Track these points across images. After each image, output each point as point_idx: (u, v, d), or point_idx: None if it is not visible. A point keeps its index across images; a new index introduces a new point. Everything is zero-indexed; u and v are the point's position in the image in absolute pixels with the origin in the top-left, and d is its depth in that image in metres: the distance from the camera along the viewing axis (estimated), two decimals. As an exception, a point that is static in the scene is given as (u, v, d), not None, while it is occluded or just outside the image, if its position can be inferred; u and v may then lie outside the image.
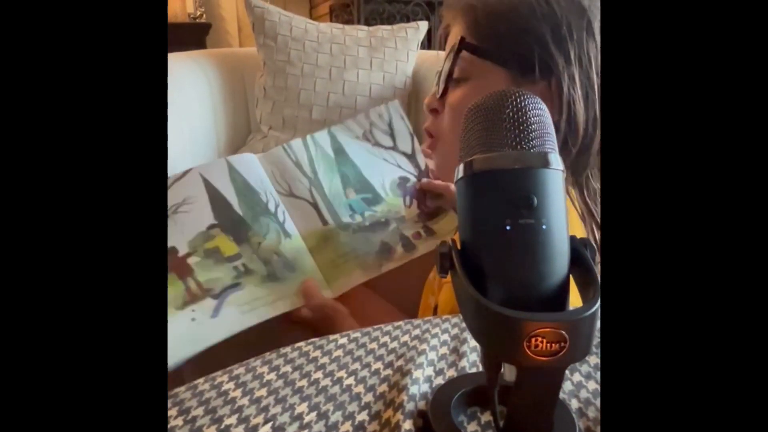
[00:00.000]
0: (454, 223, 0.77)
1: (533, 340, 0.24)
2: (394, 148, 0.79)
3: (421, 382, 0.34)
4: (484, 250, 0.27)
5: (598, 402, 0.32)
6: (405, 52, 1.42)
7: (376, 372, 0.35)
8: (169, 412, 0.31)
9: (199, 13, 2.96)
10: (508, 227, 0.26)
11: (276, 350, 0.38)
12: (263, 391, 0.33)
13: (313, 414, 0.31)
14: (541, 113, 0.27)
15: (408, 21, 1.76)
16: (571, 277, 0.27)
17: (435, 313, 0.60)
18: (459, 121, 0.30)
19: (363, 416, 0.31)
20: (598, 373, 0.35)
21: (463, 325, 0.40)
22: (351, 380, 0.34)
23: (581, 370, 0.35)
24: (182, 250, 0.68)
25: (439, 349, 0.38)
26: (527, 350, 0.24)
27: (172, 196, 0.70)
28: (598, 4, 0.54)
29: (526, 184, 0.26)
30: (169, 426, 0.30)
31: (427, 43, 1.62)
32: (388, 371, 0.35)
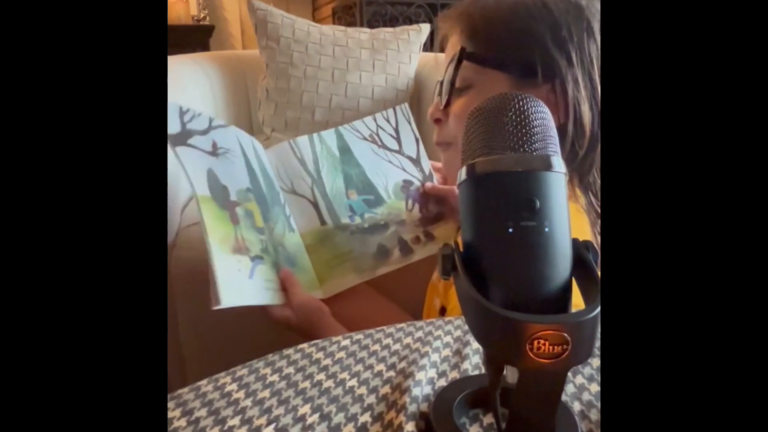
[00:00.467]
0: (454, 229, 0.77)
1: (535, 342, 0.24)
2: (400, 151, 0.78)
3: (424, 384, 0.34)
4: (486, 252, 0.27)
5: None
6: (407, 54, 1.43)
7: (379, 374, 0.35)
8: (173, 413, 0.31)
9: (202, 15, 2.97)
10: (510, 230, 0.26)
11: (278, 351, 0.38)
12: (266, 393, 0.33)
13: (316, 415, 0.31)
14: (543, 116, 0.27)
15: (410, 23, 1.76)
16: (573, 279, 0.27)
17: (442, 314, 0.60)
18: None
19: (365, 418, 0.31)
20: (601, 376, 0.35)
21: (466, 327, 0.40)
22: (353, 382, 0.34)
23: (584, 373, 0.35)
24: (233, 195, 0.63)
25: (441, 351, 0.38)
26: (529, 352, 0.24)
27: (220, 139, 0.64)
28: (597, 4, 0.54)
29: (529, 186, 0.26)
30: (172, 427, 0.30)
31: (430, 45, 1.62)
32: (391, 373, 0.35)
